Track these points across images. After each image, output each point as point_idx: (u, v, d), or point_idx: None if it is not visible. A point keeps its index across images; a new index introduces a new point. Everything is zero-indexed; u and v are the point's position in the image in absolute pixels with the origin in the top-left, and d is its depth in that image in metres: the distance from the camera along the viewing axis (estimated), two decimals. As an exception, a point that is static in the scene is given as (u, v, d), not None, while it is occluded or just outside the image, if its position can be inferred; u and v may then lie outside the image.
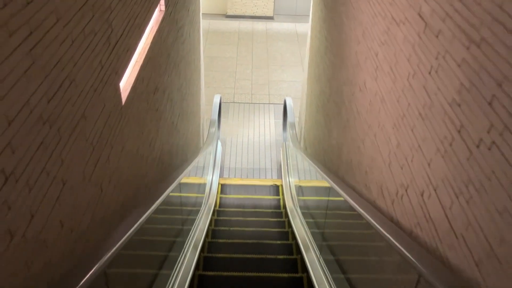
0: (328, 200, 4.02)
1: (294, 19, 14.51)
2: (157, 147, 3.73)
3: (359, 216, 3.04)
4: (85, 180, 2.09)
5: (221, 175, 8.04)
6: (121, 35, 2.62)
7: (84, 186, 2.08)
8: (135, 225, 2.47)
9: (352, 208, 3.25)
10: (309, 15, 14.78)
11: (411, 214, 2.46)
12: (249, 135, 9.12)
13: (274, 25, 14.02)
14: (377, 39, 3.28)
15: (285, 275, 4.30)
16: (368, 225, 2.80)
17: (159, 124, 3.81)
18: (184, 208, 4.39)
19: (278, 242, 5.05)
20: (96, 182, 2.25)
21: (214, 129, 6.83)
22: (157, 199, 3.07)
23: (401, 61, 2.74)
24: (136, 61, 3.16)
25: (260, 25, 13.96)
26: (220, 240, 5.05)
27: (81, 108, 2.02)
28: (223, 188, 7.34)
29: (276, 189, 7.41)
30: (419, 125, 2.37)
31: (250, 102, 10.20)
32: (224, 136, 9.02)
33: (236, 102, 10.15)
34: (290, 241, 5.20)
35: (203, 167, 6.46)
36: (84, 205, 2.08)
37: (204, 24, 13.70)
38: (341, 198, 3.61)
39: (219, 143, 8.27)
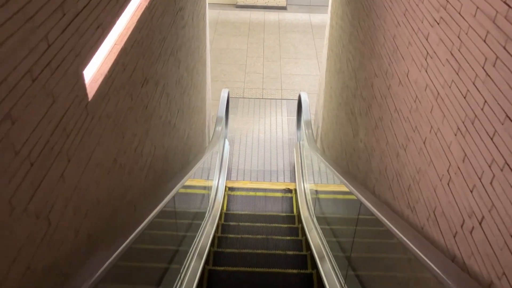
0: (358, 219, 3.28)
1: (309, 9, 13.72)
2: (146, 152, 3.02)
3: (403, 247, 2.30)
4: (15, 212, 1.39)
5: (228, 177, 7.33)
6: (86, 5, 1.90)
7: (12, 222, 1.37)
8: (102, 268, 1.76)
9: (390, 234, 2.52)
10: (324, 6, 13.99)
11: (489, 257, 1.72)
12: (259, 133, 8.39)
13: (287, 16, 13.24)
14: (427, 18, 2.53)
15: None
16: (420, 265, 2.07)
17: (149, 124, 3.10)
18: (181, 222, 3.68)
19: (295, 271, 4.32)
20: (38, 212, 1.54)
21: (220, 127, 6.11)
22: (141, 223, 2.36)
23: (469, 42, 1.99)
24: (116, 44, 2.45)
25: (272, 16, 13.19)
26: (224, 269, 4.34)
27: (3, 106, 1.31)
28: (230, 197, 6.63)
29: (289, 199, 6.67)
30: (506, 132, 1.63)
31: (261, 97, 9.47)
32: (233, 134, 8.31)
33: (246, 97, 9.43)
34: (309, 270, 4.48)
35: (209, 169, 5.76)
36: (11, 252, 1.37)
37: (213, 14, 12.98)
38: (374, 216, 2.89)
39: (227, 142, 7.56)
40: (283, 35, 12.11)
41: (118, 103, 2.40)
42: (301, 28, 12.56)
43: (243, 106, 9.16)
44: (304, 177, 6.57)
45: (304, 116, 6.55)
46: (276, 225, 5.84)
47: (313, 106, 8.60)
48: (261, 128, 8.52)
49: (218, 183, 6.28)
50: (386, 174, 3.16)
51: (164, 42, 3.53)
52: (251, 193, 6.90)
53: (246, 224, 5.84)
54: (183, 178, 3.54)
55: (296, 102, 9.28)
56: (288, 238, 5.41)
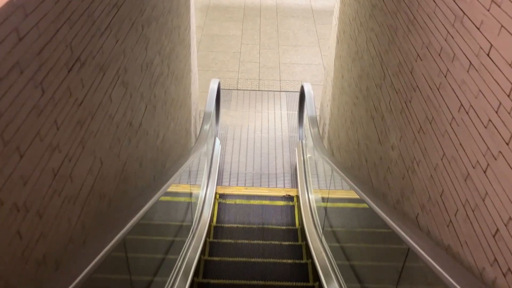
0: (404, 267, 2.25)
1: (309, -7, 12.59)
2: (82, 173, 1.97)
3: None
4: None
5: (219, 182, 6.29)
6: None
7: None
8: None
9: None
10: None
11: None
12: (255, 130, 7.34)
13: (285, 0, 12.13)
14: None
15: None
16: None
17: (88, 128, 2.04)
18: (144, 260, 2.66)
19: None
20: None
21: (209, 125, 5.05)
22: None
23: None
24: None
25: (269, 0, 12.08)
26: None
27: None
28: (220, 207, 5.59)
29: (291, 208, 5.64)
30: None
31: (257, 89, 8.40)
32: (224, 132, 7.26)
33: (240, 89, 8.36)
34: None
35: (194, 175, 4.73)
36: None
37: (204, -2, 11.86)
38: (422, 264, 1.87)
39: (217, 141, 6.51)
40: (281, 20, 11.02)
41: (13, 98, 1.35)
42: (300, 13, 11.46)
43: (237, 99, 8.11)
44: (308, 185, 5.54)
45: (308, 111, 5.50)
46: (277, 242, 4.82)
47: (318, 100, 7.55)
48: (258, 124, 7.48)
49: (205, 194, 5.23)
50: (442, 202, 2.12)
51: (119, 9, 2.47)
52: (245, 201, 5.88)
53: (240, 241, 4.82)
54: (148, 202, 2.50)
55: (297, 95, 8.23)
56: (290, 261, 4.40)
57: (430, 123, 2.32)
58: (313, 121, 5.26)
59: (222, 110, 7.72)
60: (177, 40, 4.35)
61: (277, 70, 9.00)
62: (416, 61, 2.58)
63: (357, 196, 3.02)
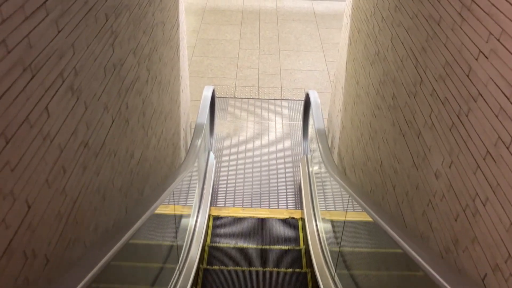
0: None
1: (310, -4, 11.95)
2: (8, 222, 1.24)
3: None
4: None
5: (213, 202, 5.57)
6: None
7: None
8: None
9: None
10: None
11: None
12: (254, 143, 6.63)
13: (286, 3, 11.48)
14: None
15: None
16: None
17: (13, 154, 1.32)
18: None
19: None
20: None
21: (200, 139, 4.33)
22: None
23: None
24: None
25: (269, 3, 11.43)
26: None
27: None
28: (214, 231, 4.87)
29: (294, 227, 4.92)
30: None
31: (257, 97, 7.70)
32: (220, 145, 6.54)
33: (237, 97, 7.66)
34: None
35: (183, 197, 4.02)
36: None
37: (200, 1, 11.21)
38: None
39: (212, 156, 5.78)
40: (282, 24, 10.35)
41: None
42: (302, 16, 10.80)
43: (234, 108, 7.40)
44: (315, 209, 4.81)
45: (315, 123, 4.79)
46: (279, 270, 4.10)
47: (324, 109, 6.83)
48: (257, 136, 6.76)
49: (195, 224, 4.50)
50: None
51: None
52: (243, 214, 5.16)
53: (237, 269, 4.09)
54: (107, 254, 1.79)
55: (300, 104, 7.53)
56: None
57: (508, 148, 1.61)
58: (322, 134, 4.54)
59: (217, 121, 7.01)
60: (161, 39, 3.64)
61: (277, 76, 8.30)
62: (477, 59, 1.87)
63: (385, 234, 2.30)
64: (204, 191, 5.14)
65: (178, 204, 3.85)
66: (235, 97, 7.65)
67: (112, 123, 2.40)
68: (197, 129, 4.56)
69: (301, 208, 5.57)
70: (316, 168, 5.37)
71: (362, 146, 3.74)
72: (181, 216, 4.54)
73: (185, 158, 3.96)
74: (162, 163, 3.84)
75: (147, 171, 3.28)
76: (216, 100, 7.52)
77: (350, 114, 4.27)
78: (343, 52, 4.82)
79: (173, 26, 4.16)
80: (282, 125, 7.04)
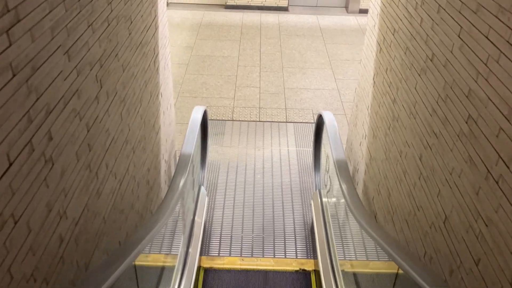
0: None
1: (315, 10, 11.09)
2: None
3: None
4: None
5: (205, 250, 4.48)
6: None
7: None
8: None
9: None
10: (334, 7, 11.41)
11: None
12: (255, 173, 5.56)
13: (289, 18, 10.58)
14: None
15: None
16: None
17: None
18: None
19: None
20: None
21: (184, 176, 3.28)
22: None
23: None
24: None
25: (270, 18, 10.53)
26: None
27: None
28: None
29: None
30: None
31: (257, 119, 6.68)
32: (214, 177, 5.47)
33: (236, 120, 6.63)
34: None
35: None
36: None
37: (196, 16, 10.32)
38: None
39: (203, 192, 4.71)
40: (285, 39, 9.41)
41: None
42: (307, 31, 9.88)
43: (231, 132, 6.36)
44: (333, 261, 3.73)
45: (333, 152, 3.73)
46: None
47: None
48: (258, 165, 5.70)
49: (181, 280, 3.41)
50: None
51: None
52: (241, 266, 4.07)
53: None
54: None
55: (307, 127, 6.51)
56: None
57: None
58: (343, 168, 3.47)
59: (211, 147, 5.96)
60: (126, 41, 2.62)
61: (281, 96, 7.30)
62: None
63: None
64: (193, 238, 4.06)
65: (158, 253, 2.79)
66: (232, 120, 6.63)
67: (15, 170, 1.35)
68: (182, 162, 3.50)
69: (314, 257, 4.48)
70: (332, 205, 4.31)
71: (407, 189, 2.68)
72: (161, 269, 3.47)
73: (160, 204, 2.89)
74: (128, 211, 2.77)
75: (98, 230, 2.22)
76: (211, 123, 6.50)
77: (383, 142, 3.22)
78: (368, 63, 3.80)
79: (148, 27, 3.15)
80: (288, 152, 5.99)
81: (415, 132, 2.60)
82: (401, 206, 2.78)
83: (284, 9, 10.96)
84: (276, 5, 10.91)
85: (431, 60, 2.40)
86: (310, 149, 6.00)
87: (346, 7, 11.09)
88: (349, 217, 3.67)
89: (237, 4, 10.89)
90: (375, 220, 3.05)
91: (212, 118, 6.60)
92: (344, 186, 3.27)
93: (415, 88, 2.63)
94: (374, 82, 3.53)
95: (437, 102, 2.30)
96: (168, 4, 10.91)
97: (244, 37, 9.46)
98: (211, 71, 7.97)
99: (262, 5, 10.92)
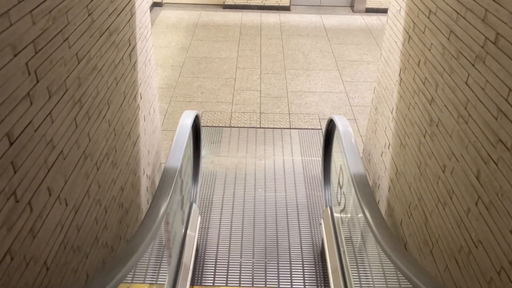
0: None
1: (319, 10, 10.48)
2: None
3: None
4: None
5: (198, 279, 3.82)
6: None
7: None
8: None
9: None
10: (338, 6, 10.81)
11: None
12: (256, 187, 4.91)
13: (291, 18, 9.97)
14: None
15: None
16: None
17: None
18: None
19: None
20: None
21: (167, 195, 2.64)
22: None
23: None
24: None
25: (271, 18, 9.92)
26: None
27: None
28: None
29: None
30: None
31: (258, 125, 6.04)
32: (209, 192, 4.81)
33: (234, 126, 5.99)
34: None
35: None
36: None
37: (192, 17, 9.71)
38: None
39: (195, 210, 4.05)
40: (287, 40, 8.78)
41: None
42: (311, 31, 9.26)
43: (229, 141, 5.71)
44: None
45: (349, 165, 3.07)
46: None
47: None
48: (259, 177, 5.05)
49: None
50: None
51: None
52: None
53: None
54: None
55: (313, 133, 5.86)
56: None
57: None
58: (364, 186, 2.81)
59: (206, 158, 5.32)
60: (84, 24, 1.98)
61: (284, 100, 6.66)
62: None
63: None
64: (181, 268, 3.40)
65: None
66: (230, 126, 5.98)
67: None
68: (165, 178, 2.85)
69: (326, 286, 3.82)
70: (347, 226, 3.67)
71: (455, 216, 2.02)
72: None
73: (134, 235, 2.23)
74: (89, 247, 2.12)
75: (35, 282, 1.56)
76: (207, 130, 5.86)
77: (415, 153, 2.57)
78: (391, 57, 3.15)
79: (120, 11, 2.51)
80: (293, 162, 5.34)
81: (467, 141, 1.94)
82: (446, 238, 2.12)
83: (285, 8, 10.35)
84: (277, 4, 10.31)
85: (494, 43, 1.75)
86: (317, 158, 5.36)
87: (352, 6, 10.49)
88: (369, 240, 3.02)
89: (236, 3, 10.29)
90: (413, 258, 2.39)
91: (207, 124, 5.97)
92: (367, 211, 2.61)
93: (466, 83, 1.98)
94: (401, 79, 2.88)
95: (506, 100, 1.65)
96: (162, 4, 10.31)
97: (243, 37, 8.84)
98: (207, 74, 7.33)
99: (263, 4, 10.32)
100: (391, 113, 3.06)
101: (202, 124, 5.95)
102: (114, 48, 2.44)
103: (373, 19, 9.88)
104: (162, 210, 2.64)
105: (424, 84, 2.49)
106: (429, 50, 2.43)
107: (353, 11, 10.36)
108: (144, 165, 3.15)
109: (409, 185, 2.67)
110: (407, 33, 2.79)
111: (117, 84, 2.49)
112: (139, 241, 2.24)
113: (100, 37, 2.21)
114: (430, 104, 2.40)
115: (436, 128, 2.31)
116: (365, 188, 2.80)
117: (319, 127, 5.97)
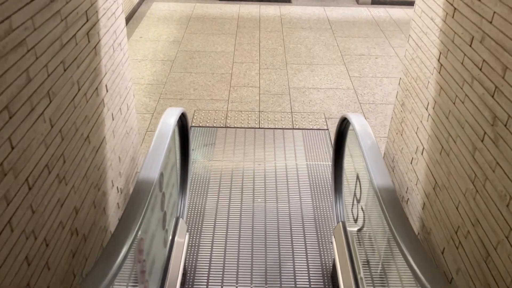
0: None
1: (322, 2, 9.83)
2: None
3: None
4: None
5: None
6: None
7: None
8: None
9: None
10: None
11: None
12: (255, 197, 4.25)
13: (292, 9, 9.32)
14: None
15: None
16: None
17: None
18: None
19: None
20: None
21: (135, 220, 1.97)
22: None
23: None
24: None
25: (271, 10, 9.27)
26: None
27: None
28: None
29: None
30: None
31: (257, 126, 5.38)
32: (200, 202, 4.15)
33: (230, 127, 5.34)
34: None
35: None
36: None
37: (186, 9, 9.06)
38: None
39: (182, 226, 3.38)
40: (288, 33, 8.13)
41: None
42: (313, 24, 8.61)
43: (224, 143, 5.06)
44: None
45: (372, 175, 2.42)
46: None
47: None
48: (259, 185, 4.39)
49: None
50: None
51: None
52: None
53: None
54: None
55: (319, 134, 5.21)
56: None
57: None
58: (392, 203, 2.17)
59: (198, 163, 4.67)
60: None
61: (286, 97, 6.01)
62: None
63: None
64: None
65: None
66: (226, 126, 5.33)
67: None
68: (138, 193, 2.20)
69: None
70: (366, 247, 3.03)
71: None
72: None
73: (91, 269, 1.58)
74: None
75: None
76: (199, 131, 5.21)
77: (467, 162, 1.91)
78: (425, 38, 2.49)
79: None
80: (297, 167, 4.68)
81: None
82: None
83: (286, 0, 9.70)
84: (277, -4, 9.66)
85: None
86: (324, 163, 4.71)
87: (357, -2, 9.84)
88: (403, 272, 2.38)
89: (233, -5, 9.63)
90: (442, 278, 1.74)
91: (200, 124, 5.31)
92: (401, 238, 1.96)
93: None
94: (441, 65, 2.23)
95: None
96: (155, -4, 9.65)
97: (240, 30, 8.18)
98: (201, 69, 6.68)
99: (262, -4, 9.66)
100: (426, 109, 2.41)
101: (193, 124, 5.30)
102: (60, 21, 1.79)
103: (380, 11, 9.23)
104: (129, 237, 1.99)
105: (481, 70, 1.84)
106: (490, 23, 1.78)
107: (358, 3, 9.71)
108: (113, 176, 2.49)
109: (456, 204, 2.02)
110: (451, 4, 2.14)
111: (65, 71, 1.83)
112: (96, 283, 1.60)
113: (31, 1, 1.56)
114: (492, 96, 1.74)
115: (504, 130, 1.65)
116: (396, 207, 2.15)
117: (325, 127, 5.32)
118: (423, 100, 2.45)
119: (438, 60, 2.26)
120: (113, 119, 2.48)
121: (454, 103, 2.07)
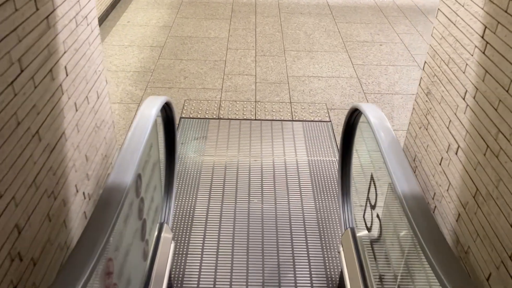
0: None
1: (321, -14, 9.31)
2: None
3: None
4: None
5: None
6: None
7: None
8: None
9: None
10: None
11: None
12: (250, 197, 3.81)
13: (290, -6, 8.82)
14: None
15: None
16: None
17: None
18: None
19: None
20: None
21: (97, 243, 1.51)
22: None
23: None
24: None
25: (267, -6, 8.77)
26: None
27: None
28: None
29: None
30: None
31: (253, 117, 4.92)
32: (188, 205, 3.69)
33: (224, 118, 4.87)
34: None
35: None
36: None
37: (177, -8, 8.53)
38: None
39: (166, 233, 2.93)
40: (286, 18, 7.64)
41: None
42: (313, 9, 8.12)
43: (217, 136, 4.60)
44: None
45: (394, 180, 1.98)
46: None
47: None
48: (255, 184, 3.94)
49: None
50: None
51: None
52: None
53: None
54: None
55: (320, 126, 4.76)
56: None
57: None
58: (421, 213, 1.73)
59: (188, 159, 4.21)
60: None
61: (284, 86, 5.54)
62: None
63: None
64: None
65: None
66: (219, 118, 4.86)
67: None
68: (106, 200, 1.75)
69: None
70: (383, 259, 2.60)
71: None
72: None
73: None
74: None
75: None
76: (190, 122, 4.75)
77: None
78: (464, 10, 2.03)
79: None
80: (297, 163, 4.24)
81: None
82: None
83: (283, -16, 9.17)
84: (274, -20, 9.13)
85: None
86: (328, 158, 4.27)
87: (358, -17, 9.33)
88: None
89: (228, -21, 9.09)
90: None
91: (190, 116, 4.85)
92: (435, 259, 1.52)
93: None
94: (486, 43, 1.77)
95: None
96: (144, -21, 9.10)
97: (235, 15, 7.68)
98: (192, 56, 6.20)
99: (258, -20, 9.13)
100: (463, 99, 1.96)
101: (183, 116, 4.84)
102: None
103: (383, -4, 8.75)
104: (90, 261, 1.54)
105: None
106: None
107: (359, -12, 9.21)
108: (76, 180, 2.03)
109: (509, 218, 1.58)
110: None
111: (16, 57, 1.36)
112: None
113: None
114: None
115: None
116: (429, 222, 1.71)
117: (327, 119, 4.88)
118: (459, 88, 2.00)
119: (482, 37, 1.81)
120: (76, 110, 2.01)
121: (507, 91, 1.62)
